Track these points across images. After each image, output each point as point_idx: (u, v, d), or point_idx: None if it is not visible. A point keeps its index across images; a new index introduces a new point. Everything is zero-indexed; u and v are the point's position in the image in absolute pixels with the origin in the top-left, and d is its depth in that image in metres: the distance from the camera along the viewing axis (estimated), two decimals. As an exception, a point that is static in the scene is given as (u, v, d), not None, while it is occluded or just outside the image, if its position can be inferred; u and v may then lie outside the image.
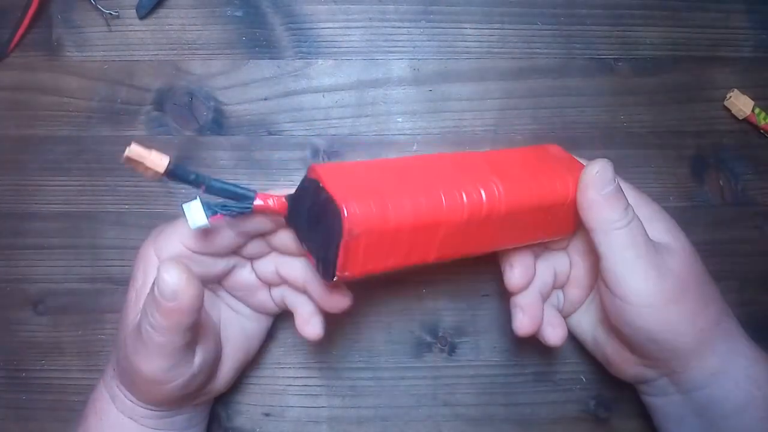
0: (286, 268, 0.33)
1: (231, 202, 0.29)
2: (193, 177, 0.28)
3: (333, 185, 0.28)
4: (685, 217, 0.41)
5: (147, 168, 0.27)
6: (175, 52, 0.41)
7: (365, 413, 0.40)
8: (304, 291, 0.33)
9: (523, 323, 0.34)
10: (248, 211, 0.29)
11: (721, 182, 0.42)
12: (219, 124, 0.41)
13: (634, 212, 0.31)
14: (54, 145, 0.41)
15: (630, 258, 0.31)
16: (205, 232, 0.31)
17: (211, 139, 0.41)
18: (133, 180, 0.41)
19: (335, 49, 0.42)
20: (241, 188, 0.29)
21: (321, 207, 0.28)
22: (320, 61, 0.42)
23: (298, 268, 0.33)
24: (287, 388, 0.40)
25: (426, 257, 0.30)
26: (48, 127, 0.41)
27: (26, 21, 0.40)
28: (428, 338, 0.41)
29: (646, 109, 0.42)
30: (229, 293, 0.35)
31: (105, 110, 0.41)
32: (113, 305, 0.40)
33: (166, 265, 0.28)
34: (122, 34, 0.41)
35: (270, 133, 0.41)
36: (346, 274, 0.29)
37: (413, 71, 0.42)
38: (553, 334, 0.35)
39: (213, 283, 0.34)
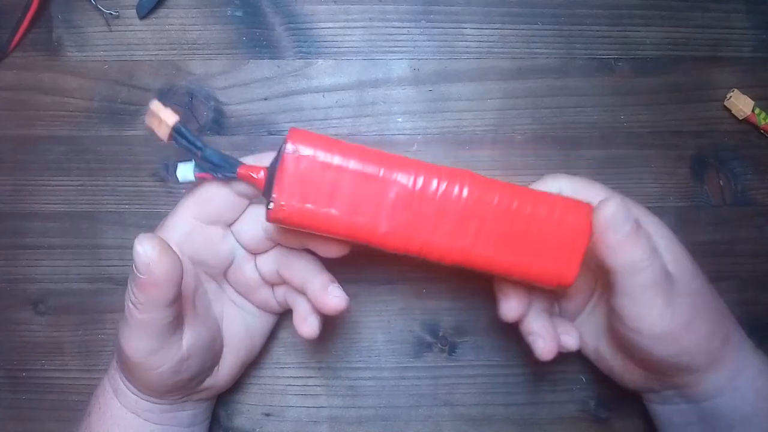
0: (285, 268, 0.33)
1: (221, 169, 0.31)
2: (193, 138, 0.31)
3: (295, 138, 0.29)
4: (685, 217, 0.41)
5: (160, 122, 0.30)
6: (175, 52, 0.41)
7: (365, 413, 0.40)
8: (302, 291, 0.33)
9: (546, 349, 0.33)
10: (233, 177, 0.31)
11: (721, 182, 0.42)
12: (219, 124, 0.41)
13: (654, 246, 0.30)
14: (54, 145, 0.41)
15: (650, 296, 0.30)
16: (207, 199, 0.32)
17: (211, 139, 0.41)
18: (133, 180, 0.41)
19: (335, 49, 0.42)
20: (230, 158, 0.31)
21: (278, 154, 0.29)
22: (320, 61, 0.42)
23: (298, 269, 0.33)
24: (287, 388, 0.40)
25: (375, 225, 0.29)
26: (48, 127, 0.41)
27: (26, 21, 0.40)
28: (428, 338, 0.41)
29: (646, 109, 0.42)
30: (234, 288, 0.35)
31: (105, 110, 0.41)
32: (113, 305, 0.40)
33: (140, 238, 0.28)
34: (122, 34, 0.41)
35: (270, 133, 0.41)
36: (283, 205, 0.29)
37: (413, 71, 0.42)
38: (571, 341, 0.34)
39: (219, 274, 0.34)
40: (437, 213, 0.30)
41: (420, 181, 0.30)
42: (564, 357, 0.40)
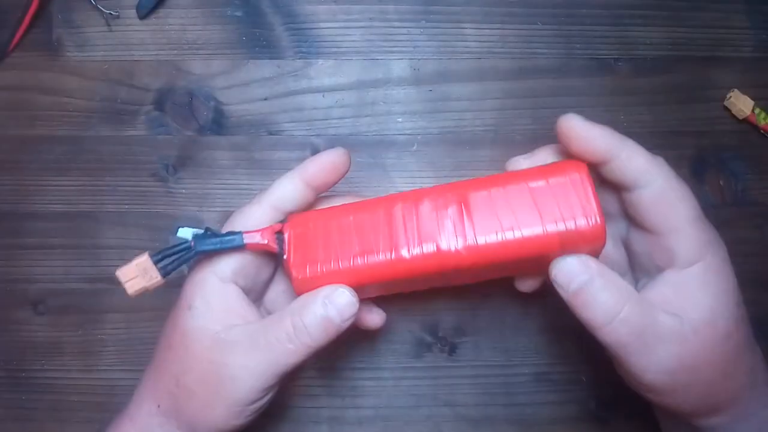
0: None
1: (224, 238, 0.31)
2: (178, 250, 0.31)
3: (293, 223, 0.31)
4: (685, 217, 0.41)
5: (138, 277, 0.30)
6: (175, 52, 0.41)
7: (365, 413, 0.40)
8: None
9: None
10: (241, 247, 0.31)
11: (721, 182, 0.42)
12: (219, 124, 0.41)
13: (624, 302, 0.27)
14: (54, 145, 0.41)
15: (624, 356, 0.28)
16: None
17: (211, 139, 0.41)
18: (133, 180, 0.41)
19: (335, 49, 0.42)
20: (227, 238, 0.31)
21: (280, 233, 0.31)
22: (320, 61, 0.42)
23: None
24: (287, 388, 0.40)
25: (398, 255, 0.30)
26: (48, 127, 0.41)
27: (26, 21, 0.40)
28: (428, 338, 0.41)
29: (646, 109, 0.42)
30: (268, 311, 0.35)
31: (105, 110, 0.41)
32: (113, 305, 0.40)
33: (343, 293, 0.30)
34: (122, 34, 0.41)
35: (270, 133, 0.41)
36: (302, 278, 0.30)
37: (413, 71, 0.42)
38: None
39: (258, 296, 0.34)
40: (445, 222, 0.30)
41: (419, 204, 0.30)
42: (564, 357, 0.41)
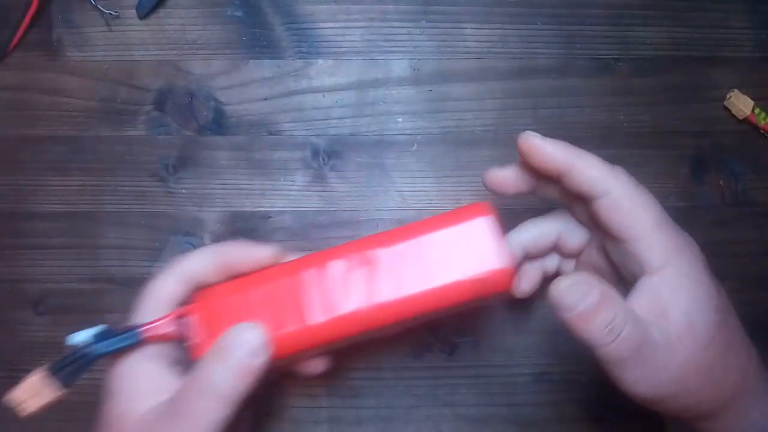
0: None
1: (122, 336, 0.30)
2: (75, 358, 0.30)
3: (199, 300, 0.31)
4: (685, 218, 0.41)
5: (35, 396, 0.30)
6: (175, 52, 0.41)
7: (365, 413, 0.40)
8: None
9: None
10: (140, 342, 0.30)
11: (721, 182, 0.42)
12: (219, 124, 0.41)
13: (624, 321, 0.27)
14: (54, 145, 0.41)
15: (620, 371, 0.28)
16: None
17: (211, 139, 0.41)
18: (133, 180, 0.41)
19: (335, 49, 0.42)
20: (125, 336, 0.30)
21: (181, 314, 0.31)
22: (320, 61, 0.42)
23: None
24: (287, 388, 0.40)
25: (305, 322, 0.29)
26: (48, 127, 0.41)
27: (26, 21, 0.40)
28: (428, 338, 0.41)
29: (646, 109, 0.42)
30: None
31: (105, 110, 0.41)
32: (113, 305, 0.40)
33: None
34: (122, 34, 0.41)
35: (270, 133, 0.41)
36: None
37: (413, 71, 0.42)
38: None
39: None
40: (352, 285, 0.29)
41: (325, 269, 0.30)
42: (564, 357, 0.41)
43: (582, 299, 0.27)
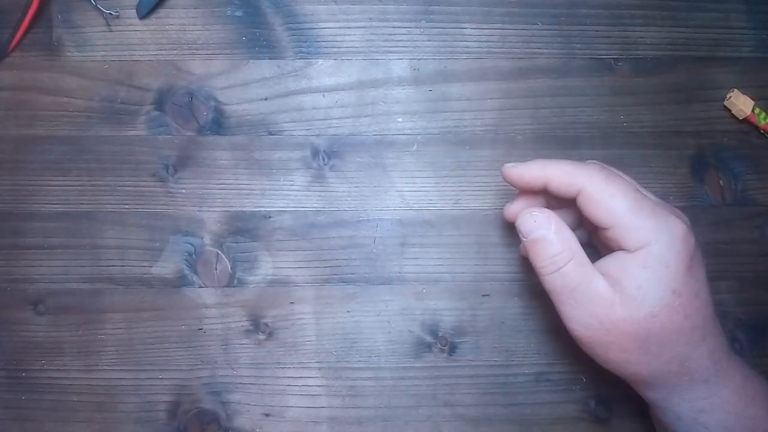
0: None
1: None
2: None
3: None
4: (685, 217, 0.41)
5: None
6: (175, 52, 0.41)
7: (365, 413, 0.40)
8: None
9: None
10: None
11: (721, 182, 0.42)
12: (219, 124, 0.41)
13: (568, 260, 0.32)
14: (54, 145, 0.41)
15: (556, 302, 0.33)
16: None
17: (211, 139, 0.41)
18: (133, 180, 0.41)
19: (335, 49, 0.42)
20: None
21: None
22: (320, 61, 0.42)
23: None
24: (287, 388, 0.40)
25: None
26: (48, 127, 0.41)
27: (26, 21, 0.40)
28: (428, 338, 0.41)
29: (646, 109, 0.42)
30: None
31: (105, 110, 0.41)
32: (113, 305, 0.40)
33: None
34: (122, 34, 0.41)
35: (270, 133, 0.41)
36: None
37: (413, 71, 0.42)
38: None
39: None
40: None
41: None
42: (564, 357, 0.41)
43: (535, 229, 0.32)
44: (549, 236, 0.32)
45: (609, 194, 0.32)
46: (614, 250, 0.32)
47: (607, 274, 0.32)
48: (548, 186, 0.33)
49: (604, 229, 0.32)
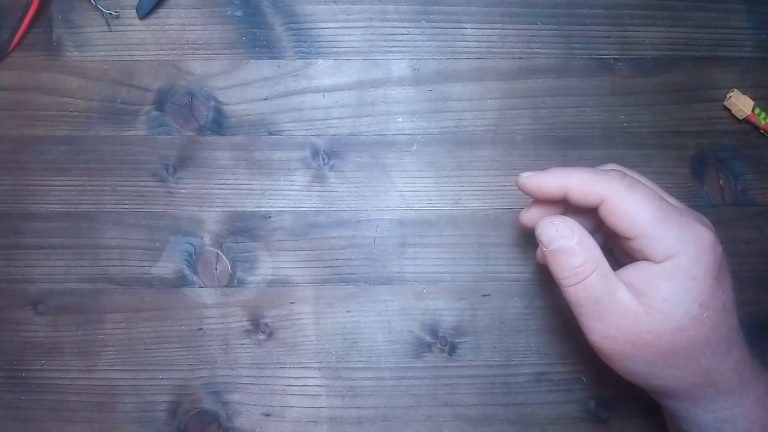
0: None
1: None
2: None
3: None
4: (685, 217, 0.41)
5: None
6: (175, 52, 0.41)
7: (365, 413, 0.40)
8: None
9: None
10: None
11: (721, 182, 0.42)
12: (219, 124, 0.41)
13: (591, 271, 0.30)
14: (54, 145, 0.41)
15: (578, 314, 0.31)
16: None
17: (211, 139, 0.41)
18: (133, 180, 0.41)
19: (335, 49, 0.42)
20: None
21: None
22: (320, 61, 0.42)
23: None
24: (287, 388, 0.40)
25: None
26: (48, 127, 0.41)
27: (26, 21, 0.40)
28: (428, 338, 0.41)
29: (646, 109, 0.42)
30: None
31: (105, 110, 0.41)
32: (113, 305, 0.40)
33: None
34: (122, 34, 0.41)
35: (270, 133, 0.41)
36: None
37: (413, 71, 0.42)
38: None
39: None
40: None
41: None
42: (564, 357, 0.41)
43: (557, 239, 0.31)
44: (571, 247, 0.31)
45: (633, 204, 0.30)
46: (636, 259, 0.31)
47: (631, 284, 0.30)
48: (568, 196, 0.32)
49: (628, 239, 0.31)
